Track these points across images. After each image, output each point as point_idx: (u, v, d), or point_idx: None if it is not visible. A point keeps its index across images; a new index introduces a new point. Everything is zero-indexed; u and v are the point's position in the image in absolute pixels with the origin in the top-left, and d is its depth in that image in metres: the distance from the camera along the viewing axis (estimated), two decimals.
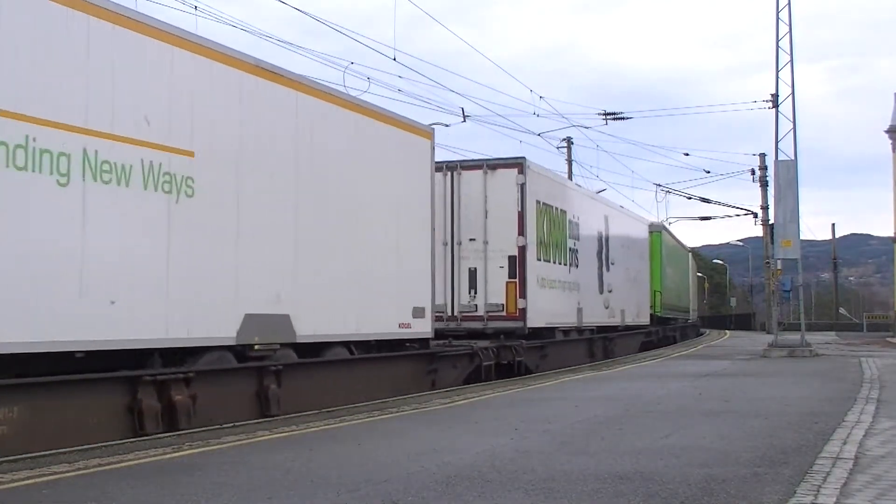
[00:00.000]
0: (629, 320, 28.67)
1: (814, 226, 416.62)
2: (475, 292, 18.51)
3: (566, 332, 22.08)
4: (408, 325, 14.47)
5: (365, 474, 6.79)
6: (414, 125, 15.40)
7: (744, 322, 70.10)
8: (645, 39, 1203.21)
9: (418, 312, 14.68)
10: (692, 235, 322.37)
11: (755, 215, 51.01)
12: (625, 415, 10.75)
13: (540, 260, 19.63)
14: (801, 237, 25.20)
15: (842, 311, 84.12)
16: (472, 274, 18.52)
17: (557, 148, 41.12)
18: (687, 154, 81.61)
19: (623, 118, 39.29)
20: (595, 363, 22.52)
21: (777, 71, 25.37)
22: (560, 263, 21.16)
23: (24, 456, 7.77)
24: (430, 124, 20.35)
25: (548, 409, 11.42)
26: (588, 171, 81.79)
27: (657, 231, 35.02)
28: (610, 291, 25.97)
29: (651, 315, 32.46)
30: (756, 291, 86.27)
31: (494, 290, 18.49)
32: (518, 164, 18.83)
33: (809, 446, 8.03)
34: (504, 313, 18.45)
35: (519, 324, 18.52)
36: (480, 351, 17.02)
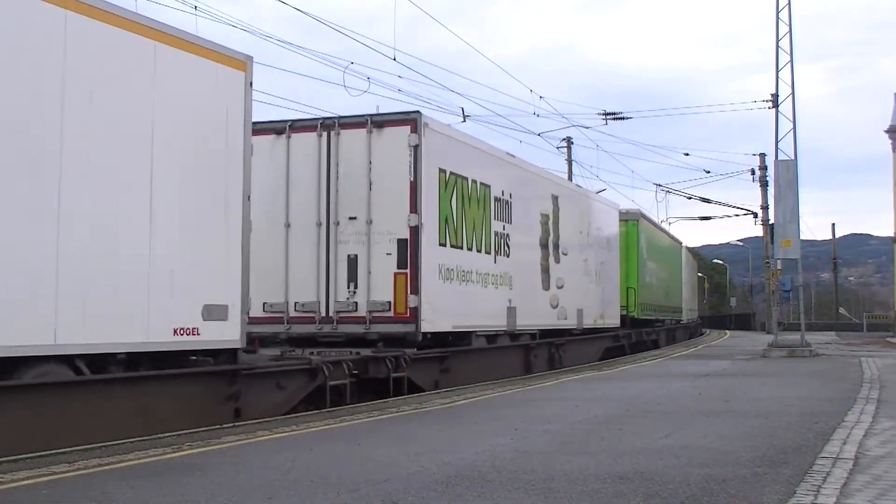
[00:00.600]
0: (589, 322, 23.69)
1: (814, 226, 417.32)
2: (355, 286, 14.45)
3: (492, 337, 17.59)
4: (193, 331, 10.32)
5: (365, 474, 6.79)
6: (212, 48, 10.76)
7: (744, 322, 70.18)
8: (645, 39, 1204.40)
9: (216, 313, 10.65)
10: (692, 235, 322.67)
11: (755, 215, 51.19)
12: (624, 415, 10.75)
13: (445, 245, 15.31)
14: (801, 237, 25.27)
15: (842, 311, 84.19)
16: (353, 263, 14.47)
17: (557, 148, 41.33)
18: (687, 154, 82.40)
19: (623, 118, 39.41)
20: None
21: (777, 71, 25.43)
22: (479, 251, 16.71)
23: (24, 456, 7.77)
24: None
25: (547, 409, 11.42)
26: (588, 171, 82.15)
27: (633, 220, 30.51)
28: (560, 287, 21.18)
29: (623, 316, 27.86)
30: (756, 291, 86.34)
31: (379, 283, 14.36)
32: (411, 120, 14.55)
33: (809, 446, 8.04)
34: (391, 314, 14.30)
35: (409, 327, 14.28)
36: (325, 365, 12.57)
